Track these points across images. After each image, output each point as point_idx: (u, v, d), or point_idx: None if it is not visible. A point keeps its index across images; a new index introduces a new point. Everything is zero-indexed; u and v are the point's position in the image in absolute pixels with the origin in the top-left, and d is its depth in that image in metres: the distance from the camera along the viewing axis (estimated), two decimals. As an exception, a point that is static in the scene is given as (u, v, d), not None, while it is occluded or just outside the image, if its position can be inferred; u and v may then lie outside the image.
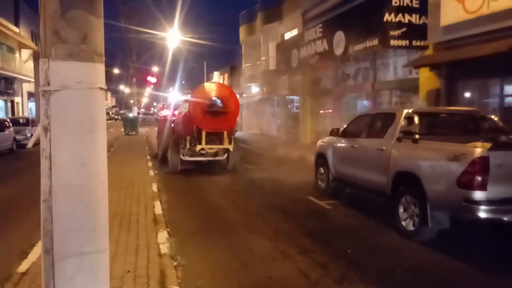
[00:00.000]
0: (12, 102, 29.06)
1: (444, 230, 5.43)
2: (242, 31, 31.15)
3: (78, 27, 2.29)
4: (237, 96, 12.00)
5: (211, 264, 4.85)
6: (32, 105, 35.52)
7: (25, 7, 32.82)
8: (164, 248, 4.89)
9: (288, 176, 11.30)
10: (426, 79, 11.60)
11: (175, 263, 4.57)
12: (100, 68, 2.40)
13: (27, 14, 32.96)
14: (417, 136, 5.86)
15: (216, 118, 10.63)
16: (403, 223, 5.89)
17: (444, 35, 10.72)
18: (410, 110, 6.41)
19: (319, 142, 9.36)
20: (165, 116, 15.74)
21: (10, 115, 27.31)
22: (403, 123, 6.32)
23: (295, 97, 23.34)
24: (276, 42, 22.91)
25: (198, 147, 10.75)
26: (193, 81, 53.47)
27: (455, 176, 4.95)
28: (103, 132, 2.44)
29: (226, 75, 40.64)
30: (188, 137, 11.14)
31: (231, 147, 11.02)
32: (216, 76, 44.96)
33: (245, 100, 33.42)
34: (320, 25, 15.56)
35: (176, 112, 13.12)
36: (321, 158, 8.94)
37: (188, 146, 11.16)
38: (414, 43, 11.59)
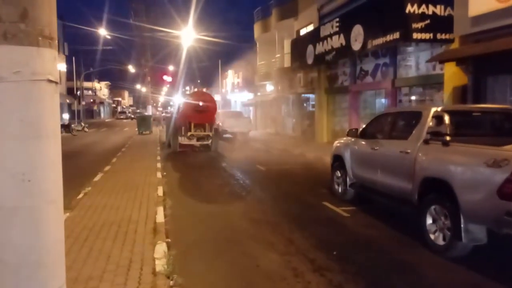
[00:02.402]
0: None
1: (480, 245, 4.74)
2: (257, 28, 30.54)
3: (15, 1, 1.73)
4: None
5: (212, 284, 4.28)
6: None
7: None
8: (160, 265, 4.33)
9: (302, 178, 10.70)
10: (452, 74, 10.81)
11: (171, 283, 4.02)
12: (49, 54, 1.84)
13: None
14: (448, 138, 5.16)
15: (200, 114, 15.80)
16: (432, 236, 5.21)
17: (472, 27, 9.91)
18: (439, 108, 5.70)
19: (336, 143, 8.71)
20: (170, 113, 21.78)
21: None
22: (430, 123, 5.63)
23: (311, 95, 22.65)
24: (291, 39, 22.24)
25: (189, 133, 16.18)
26: (208, 79, 53.14)
27: (495, 185, 4.25)
28: (53, 138, 1.88)
29: (240, 73, 40.10)
30: (183, 127, 16.28)
31: (211, 134, 16.33)
32: (231, 74, 44.49)
33: (259, 99, 32.86)
34: (337, 19, 14.86)
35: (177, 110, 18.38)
36: (337, 161, 8.29)
37: (183, 133, 16.38)
38: (439, 36, 10.82)
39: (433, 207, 5.23)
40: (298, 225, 6.34)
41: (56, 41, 1.96)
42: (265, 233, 5.95)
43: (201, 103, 15.78)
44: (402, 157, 5.92)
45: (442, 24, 10.83)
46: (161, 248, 4.89)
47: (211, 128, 16.20)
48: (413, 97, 13.44)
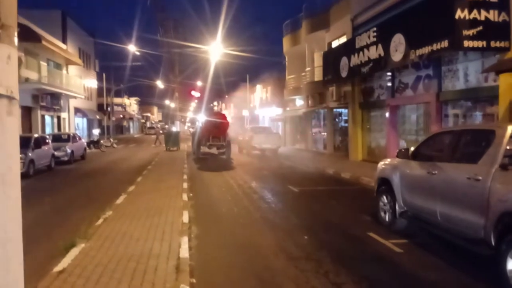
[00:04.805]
0: (59, 117, 29.47)
1: None
2: (286, 42, 29.92)
3: None
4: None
5: None
6: (79, 120, 36.20)
7: (73, 24, 33.61)
8: (181, 322, 3.52)
9: (340, 202, 9.72)
10: (508, 87, 9.67)
11: None
12: (2, 51, 1.09)
13: (74, 31, 33.73)
14: (536, 164, 4.15)
15: (216, 129, 20.62)
16: (517, 287, 4.17)
17: (534, 32, 8.79)
18: (520, 127, 4.70)
19: (381, 165, 7.73)
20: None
21: (56, 131, 27.61)
22: (508, 144, 4.63)
23: (344, 110, 21.63)
24: (322, 52, 21.41)
25: (208, 143, 20.96)
26: (236, 94, 52.83)
27: None
28: (8, 189, 1.11)
29: (269, 88, 39.49)
30: (204, 139, 21.06)
31: (224, 143, 20.94)
32: (259, 89, 43.97)
33: (288, 114, 32.06)
34: (375, 28, 13.92)
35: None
36: (384, 184, 7.31)
37: (204, 143, 21.20)
38: (493, 44, 9.71)
39: (517, 250, 4.21)
40: (344, 264, 5.39)
41: (16, 32, 1.22)
42: (307, 275, 5.03)
43: (217, 120, 20.90)
44: (471, 185, 4.92)
45: (496, 31, 9.74)
46: (183, 296, 4.09)
47: (225, 140, 21.00)
48: (460, 112, 12.25)
